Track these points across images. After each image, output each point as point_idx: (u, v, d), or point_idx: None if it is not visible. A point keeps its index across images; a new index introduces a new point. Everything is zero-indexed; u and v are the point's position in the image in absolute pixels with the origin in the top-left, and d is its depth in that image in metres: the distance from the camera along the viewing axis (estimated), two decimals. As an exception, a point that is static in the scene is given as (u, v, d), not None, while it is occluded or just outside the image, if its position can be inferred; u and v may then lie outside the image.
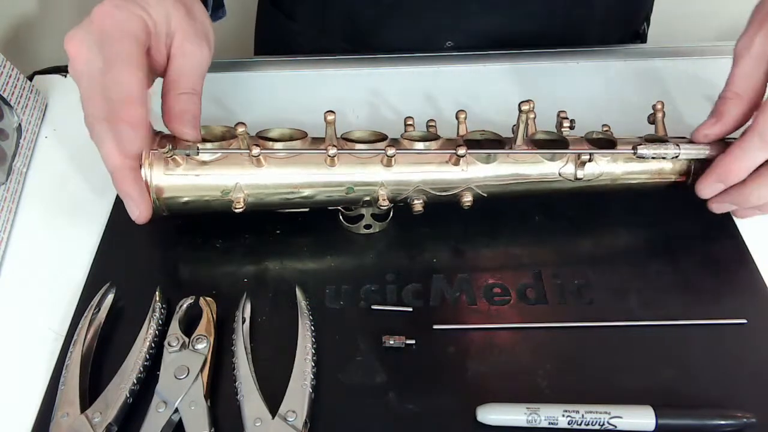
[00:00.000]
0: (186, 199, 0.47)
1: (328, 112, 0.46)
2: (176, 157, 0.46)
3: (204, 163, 0.47)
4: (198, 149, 0.46)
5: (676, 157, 0.49)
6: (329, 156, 0.46)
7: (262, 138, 0.48)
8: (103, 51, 0.45)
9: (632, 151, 0.49)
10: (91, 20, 0.46)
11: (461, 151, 0.46)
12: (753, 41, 0.48)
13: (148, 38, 0.46)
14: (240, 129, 0.46)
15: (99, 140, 0.47)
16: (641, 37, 0.80)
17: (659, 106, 0.52)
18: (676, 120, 0.55)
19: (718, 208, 0.50)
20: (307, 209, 0.50)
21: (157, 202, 0.47)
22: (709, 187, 0.49)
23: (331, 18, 0.73)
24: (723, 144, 0.50)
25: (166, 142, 0.45)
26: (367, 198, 0.49)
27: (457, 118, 0.51)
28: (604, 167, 0.50)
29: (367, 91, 0.65)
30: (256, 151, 0.45)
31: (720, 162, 0.48)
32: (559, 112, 0.52)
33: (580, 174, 0.49)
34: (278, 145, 0.47)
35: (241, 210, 0.47)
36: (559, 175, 0.50)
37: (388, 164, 0.47)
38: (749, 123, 0.48)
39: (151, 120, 0.48)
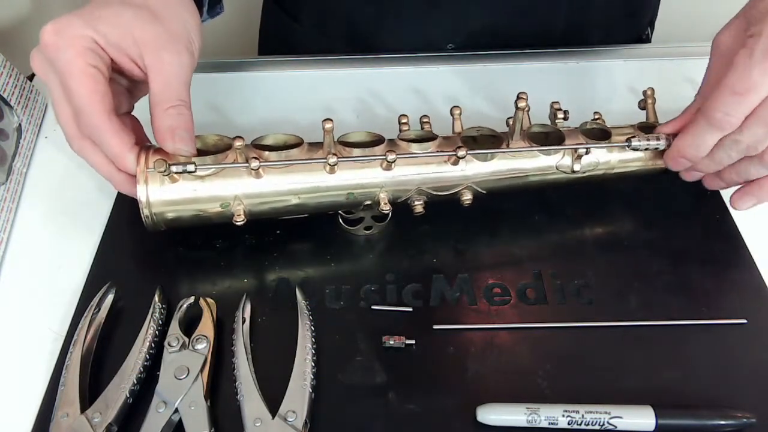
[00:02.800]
0: (184, 214, 0.47)
1: (325, 120, 0.46)
2: (173, 174, 0.45)
3: (201, 177, 0.46)
4: (196, 166, 0.45)
5: (668, 146, 0.49)
6: (329, 165, 0.46)
7: (257, 146, 0.48)
8: (56, 70, 0.44)
9: (626, 144, 0.49)
10: (41, 41, 0.44)
11: (461, 152, 0.47)
12: (722, 37, 0.48)
13: (99, 53, 0.44)
14: (238, 143, 0.45)
15: (84, 156, 0.47)
16: (645, 42, 0.80)
17: (650, 93, 0.53)
18: (671, 111, 0.55)
19: (688, 177, 0.51)
20: (306, 215, 0.50)
21: (155, 218, 0.46)
22: (674, 161, 0.50)
23: (332, 21, 0.73)
24: None
25: (162, 161, 0.44)
26: (368, 202, 0.49)
27: (452, 113, 0.51)
28: (600, 157, 0.50)
29: (367, 91, 0.65)
30: (254, 164, 0.45)
31: (676, 143, 0.49)
32: (552, 103, 0.52)
33: (577, 167, 0.50)
34: (276, 155, 0.46)
35: (242, 222, 0.46)
36: (557, 168, 0.50)
37: (388, 168, 0.47)
38: None
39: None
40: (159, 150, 0.46)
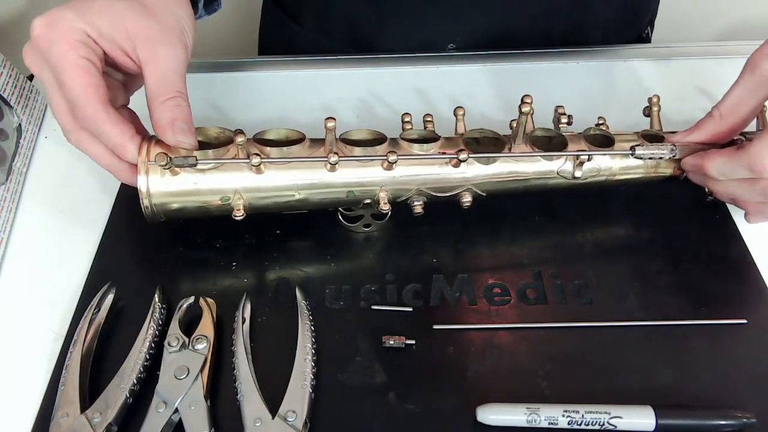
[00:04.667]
0: (184, 206, 0.47)
1: (328, 118, 0.46)
2: (174, 167, 0.45)
3: (202, 170, 0.46)
4: (197, 160, 0.45)
5: (672, 157, 0.49)
6: (330, 163, 0.46)
7: (259, 141, 0.48)
8: (49, 63, 0.44)
9: (630, 152, 0.49)
10: (32, 35, 0.44)
11: (463, 155, 0.47)
12: (764, 61, 0.46)
13: (92, 45, 0.44)
14: (239, 139, 0.45)
15: (82, 148, 0.47)
16: (645, 42, 0.80)
17: (655, 100, 0.52)
18: (675, 121, 0.55)
19: (696, 180, 0.51)
20: (306, 211, 0.50)
21: (155, 209, 0.47)
22: (692, 171, 0.50)
23: (332, 21, 0.73)
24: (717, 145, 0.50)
25: (164, 155, 0.44)
26: (368, 200, 0.49)
27: (455, 114, 0.51)
28: (602, 164, 0.50)
29: (367, 91, 0.65)
30: (256, 160, 0.45)
31: (704, 159, 0.48)
32: (557, 107, 0.52)
33: (578, 173, 0.49)
34: (277, 152, 0.47)
35: (241, 217, 0.47)
36: (558, 173, 0.50)
37: (389, 168, 0.47)
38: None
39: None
40: (160, 141, 0.46)
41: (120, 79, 0.49)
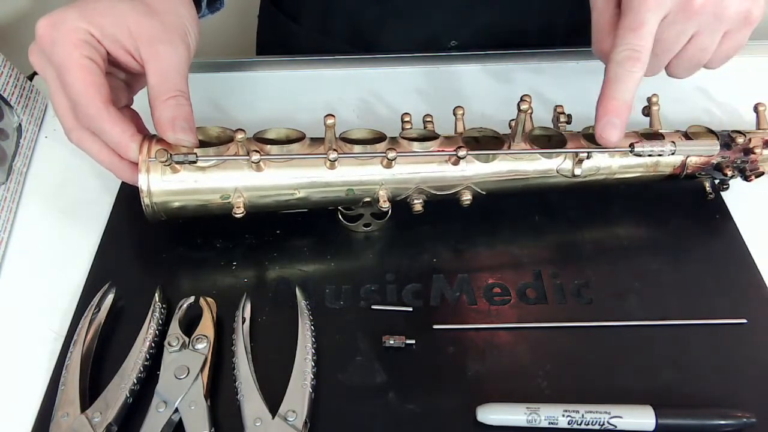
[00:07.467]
0: (184, 204, 0.47)
1: (328, 115, 0.46)
2: (174, 164, 0.46)
3: (202, 168, 0.46)
4: (197, 157, 0.45)
5: (672, 154, 0.49)
6: (330, 160, 0.46)
7: (259, 140, 0.48)
8: (52, 63, 0.45)
9: (629, 149, 0.49)
10: (36, 35, 0.45)
11: (462, 152, 0.47)
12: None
13: (95, 45, 0.45)
14: (239, 136, 0.45)
15: (84, 147, 0.47)
16: None
17: (654, 99, 0.52)
18: (674, 120, 0.55)
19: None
20: (306, 210, 0.50)
21: (155, 208, 0.47)
22: (611, 126, 0.46)
23: (334, 20, 0.73)
24: (713, 136, 0.50)
25: (164, 151, 0.45)
26: (368, 199, 0.49)
27: (454, 114, 0.51)
28: (601, 162, 0.50)
29: (367, 91, 0.65)
30: (255, 157, 0.45)
31: (608, 104, 0.46)
32: (556, 106, 0.52)
33: (577, 171, 0.49)
34: (277, 149, 0.47)
35: (241, 214, 0.47)
36: (557, 171, 0.50)
37: (388, 165, 0.48)
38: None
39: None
40: (161, 140, 0.46)
41: (123, 78, 0.49)
